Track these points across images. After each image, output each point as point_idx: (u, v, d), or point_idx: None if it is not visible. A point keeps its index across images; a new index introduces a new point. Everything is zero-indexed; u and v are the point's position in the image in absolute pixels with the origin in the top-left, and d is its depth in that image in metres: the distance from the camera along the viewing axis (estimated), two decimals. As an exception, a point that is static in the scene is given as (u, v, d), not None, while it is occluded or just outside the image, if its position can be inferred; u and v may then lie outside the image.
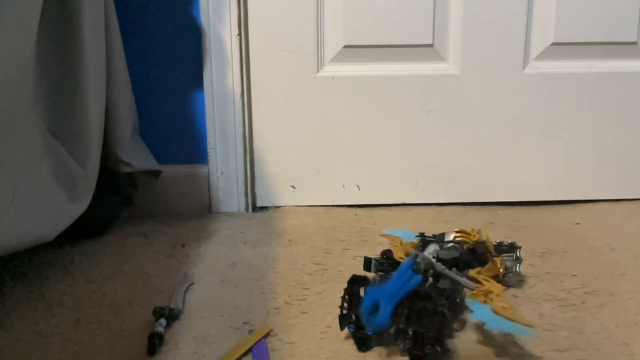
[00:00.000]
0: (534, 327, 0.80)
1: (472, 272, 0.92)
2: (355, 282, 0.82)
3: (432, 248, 0.96)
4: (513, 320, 0.79)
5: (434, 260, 0.92)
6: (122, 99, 1.17)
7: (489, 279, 0.90)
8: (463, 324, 0.86)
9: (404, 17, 1.28)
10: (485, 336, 0.83)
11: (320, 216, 1.31)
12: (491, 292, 0.85)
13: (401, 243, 1.02)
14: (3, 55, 0.80)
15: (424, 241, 1.04)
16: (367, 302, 0.80)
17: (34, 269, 1.06)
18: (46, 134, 0.98)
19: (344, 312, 0.82)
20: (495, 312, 0.81)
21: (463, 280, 0.90)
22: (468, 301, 0.85)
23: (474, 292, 0.87)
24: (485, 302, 0.84)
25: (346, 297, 0.82)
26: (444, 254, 0.98)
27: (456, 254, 0.97)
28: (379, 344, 0.81)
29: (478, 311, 0.82)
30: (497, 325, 0.79)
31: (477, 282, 0.90)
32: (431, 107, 1.33)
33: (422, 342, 0.76)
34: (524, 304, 0.92)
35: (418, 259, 0.89)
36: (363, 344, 0.81)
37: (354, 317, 0.81)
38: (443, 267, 0.92)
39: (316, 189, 1.36)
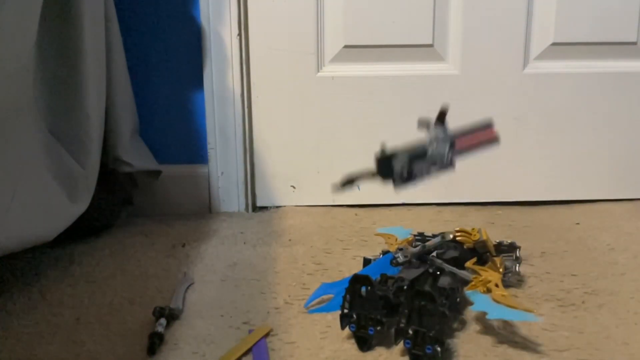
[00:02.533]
0: (534, 311, 0.82)
1: (467, 264, 0.93)
2: (357, 281, 0.82)
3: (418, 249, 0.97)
4: (514, 308, 0.81)
5: (420, 250, 0.95)
6: (122, 99, 1.17)
7: (485, 268, 0.91)
8: (463, 323, 0.86)
9: (404, 17, 1.28)
10: (486, 336, 0.83)
11: (320, 216, 1.31)
12: (489, 281, 0.87)
13: (396, 240, 1.03)
14: (3, 55, 0.80)
15: (423, 241, 1.04)
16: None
17: (34, 269, 1.06)
18: (46, 134, 0.98)
19: (345, 311, 0.82)
20: (495, 301, 0.82)
21: (460, 272, 0.91)
22: (468, 292, 0.86)
23: (473, 283, 0.88)
24: (484, 292, 0.85)
25: (347, 296, 0.82)
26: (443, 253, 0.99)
27: (456, 254, 0.98)
28: (379, 344, 0.81)
29: (478, 302, 0.83)
30: (498, 314, 0.81)
31: (474, 272, 0.90)
32: (431, 107, 1.32)
33: (422, 342, 0.76)
34: (524, 304, 0.92)
35: (397, 254, 0.91)
36: (364, 344, 0.81)
37: (354, 316, 0.81)
38: (436, 259, 0.93)
39: (316, 189, 1.36)
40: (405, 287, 0.85)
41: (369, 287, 0.81)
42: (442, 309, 0.77)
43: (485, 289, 0.86)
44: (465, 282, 0.90)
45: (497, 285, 0.86)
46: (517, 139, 1.33)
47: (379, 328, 0.80)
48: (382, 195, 1.36)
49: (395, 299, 0.82)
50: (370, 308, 0.81)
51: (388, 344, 0.81)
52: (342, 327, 0.82)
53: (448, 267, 0.92)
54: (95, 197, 1.07)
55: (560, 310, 0.90)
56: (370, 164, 1.38)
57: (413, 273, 0.89)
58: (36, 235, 0.90)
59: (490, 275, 0.89)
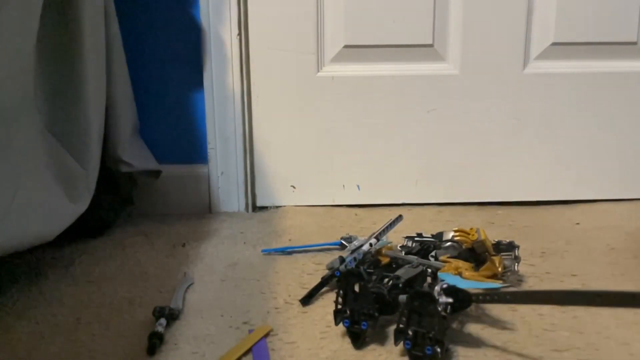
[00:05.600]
0: (504, 284, 0.92)
1: (442, 257, 0.97)
2: (350, 276, 0.82)
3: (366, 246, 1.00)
4: (482, 282, 0.90)
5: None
6: (122, 99, 1.17)
7: (456, 259, 0.96)
8: (463, 324, 0.86)
9: (404, 17, 1.28)
10: (485, 336, 0.83)
11: (320, 216, 1.31)
12: (460, 267, 0.93)
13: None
14: (4, 55, 0.80)
15: (421, 242, 1.04)
16: None
17: (34, 269, 1.06)
18: (46, 134, 0.98)
19: (339, 306, 0.82)
20: (465, 278, 0.91)
21: (426, 261, 0.94)
22: (440, 274, 0.90)
23: (445, 268, 0.92)
24: (456, 275, 0.91)
25: (340, 292, 0.82)
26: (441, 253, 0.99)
27: (455, 253, 0.98)
28: (380, 345, 0.81)
29: (450, 280, 0.88)
30: (467, 285, 0.87)
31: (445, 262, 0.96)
32: (431, 107, 1.33)
33: (422, 343, 0.76)
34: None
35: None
36: (357, 339, 0.81)
37: (348, 311, 0.81)
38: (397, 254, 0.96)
39: (316, 189, 1.36)
40: (400, 285, 0.85)
41: (362, 282, 0.81)
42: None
43: (456, 272, 0.91)
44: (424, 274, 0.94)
45: (467, 270, 0.93)
46: (517, 139, 1.33)
47: (371, 322, 0.80)
48: (382, 195, 1.36)
49: (390, 296, 0.83)
50: (363, 303, 0.81)
51: (388, 344, 0.81)
52: (336, 323, 0.83)
53: (405, 258, 0.95)
54: (95, 197, 1.07)
55: (560, 310, 0.90)
56: (369, 165, 1.38)
57: (409, 272, 0.90)
58: (36, 235, 0.90)
59: (462, 263, 0.94)
